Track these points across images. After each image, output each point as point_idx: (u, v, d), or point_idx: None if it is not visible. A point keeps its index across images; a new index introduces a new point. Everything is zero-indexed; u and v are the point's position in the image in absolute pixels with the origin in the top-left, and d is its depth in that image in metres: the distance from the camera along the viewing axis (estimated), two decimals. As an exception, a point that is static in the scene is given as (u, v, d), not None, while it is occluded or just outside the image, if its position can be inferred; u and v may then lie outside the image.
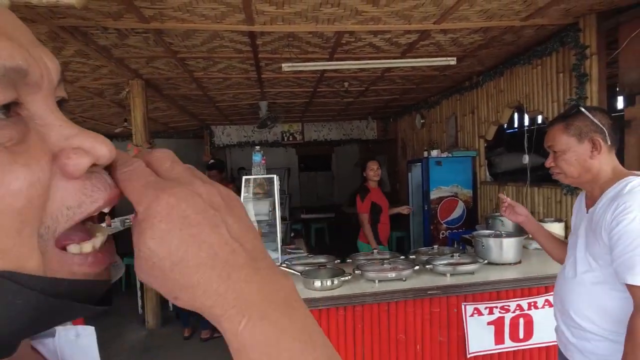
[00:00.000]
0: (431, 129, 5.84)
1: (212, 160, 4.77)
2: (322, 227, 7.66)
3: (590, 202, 1.35)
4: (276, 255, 2.92)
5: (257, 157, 2.93)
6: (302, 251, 3.38)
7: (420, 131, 6.18)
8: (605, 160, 1.26)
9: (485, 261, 2.52)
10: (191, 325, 3.73)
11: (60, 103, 0.28)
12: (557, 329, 1.51)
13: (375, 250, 2.95)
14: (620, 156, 2.81)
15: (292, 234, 4.20)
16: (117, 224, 5.75)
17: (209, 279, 0.25)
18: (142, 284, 4.07)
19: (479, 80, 4.40)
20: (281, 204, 3.67)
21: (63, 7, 1.51)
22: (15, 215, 0.23)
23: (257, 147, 2.97)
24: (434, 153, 4.51)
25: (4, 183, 0.22)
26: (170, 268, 0.25)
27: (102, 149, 0.26)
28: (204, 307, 0.26)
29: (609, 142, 1.23)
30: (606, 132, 1.23)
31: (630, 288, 1.09)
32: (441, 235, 4.52)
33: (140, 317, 4.14)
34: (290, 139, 7.87)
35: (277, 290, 0.27)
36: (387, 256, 2.76)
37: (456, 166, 4.50)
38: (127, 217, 5.67)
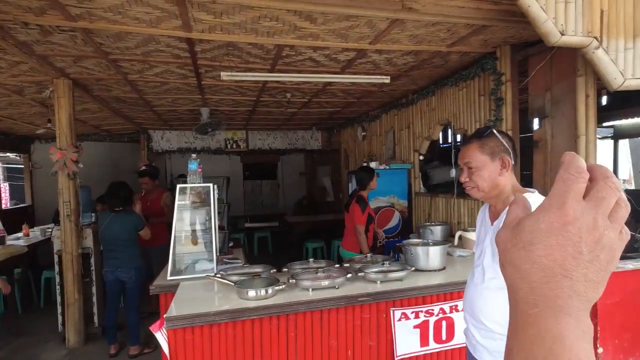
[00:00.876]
0: (372, 141, 6.09)
1: (143, 167, 4.56)
2: (265, 235, 7.60)
3: (494, 215, 1.51)
4: (211, 266, 2.86)
5: (193, 165, 2.87)
6: (239, 261, 3.34)
7: (362, 143, 6.42)
8: (509, 178, 1.42)
9: (413, 268, 2.68)
10: (118, 341, 3.50)
11: None
12: (466, 331, 1.65)
13: (369, 255, 3.02)
14: (530, 171, 3.16)
15: (231, 244, 4.13)
16: (36, 233, 5.26)
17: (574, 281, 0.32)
18: (63, 299, 3.75)
19: (414, 98, 4.70)
20: (219, 212, 3.61)
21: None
22: None
23: (194, 155, 2.91)
24: (373, 165, 4.71)
25: None
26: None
27: None
28: (550, 296, 0.33)
29: (513, 162, 1.40)
30: (511, 153, 1.40)
31: None
32: (378, 244, 4.70)
33: (59, 335, 3.81)
34: (234, 146, 7.76)
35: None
36: (323, 265, 2.83)
37: (393, 178, 4.73)
38: (47, 226, 5.20)
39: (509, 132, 3.18)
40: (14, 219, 6.01)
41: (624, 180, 5.82)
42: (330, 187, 8.83)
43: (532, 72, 3.07)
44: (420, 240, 3.03)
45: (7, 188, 12.39)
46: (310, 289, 2.39)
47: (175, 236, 2.83)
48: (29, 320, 4.33)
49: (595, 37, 2.09)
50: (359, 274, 2.57)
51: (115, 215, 3.55)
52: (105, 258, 3.61)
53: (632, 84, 2.16)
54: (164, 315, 2.10)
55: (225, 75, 2.99)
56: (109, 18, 2.40)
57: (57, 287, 3.87)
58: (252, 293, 2.28)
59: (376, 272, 2.59)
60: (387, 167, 4.71)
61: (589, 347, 0.32)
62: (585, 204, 0.33)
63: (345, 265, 2.87)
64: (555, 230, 0.33)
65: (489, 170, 1.42)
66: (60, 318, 3.84)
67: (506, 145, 1.40)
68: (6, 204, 11.23)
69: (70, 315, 3.69)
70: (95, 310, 4.05)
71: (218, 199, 3.62)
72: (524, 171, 3.49)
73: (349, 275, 2.52)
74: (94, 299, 4.03)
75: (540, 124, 3.02)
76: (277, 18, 2.47)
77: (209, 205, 2.92)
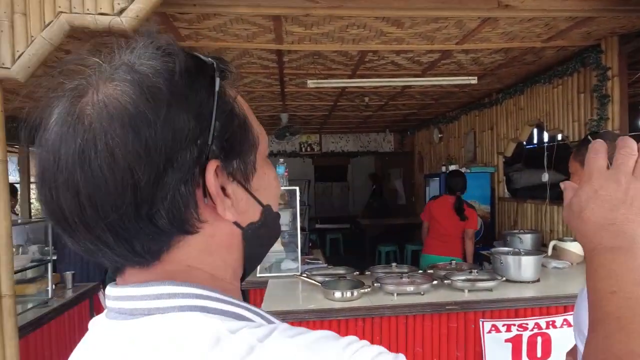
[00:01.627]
0: (449, 144, 5.88)
1: None
2: (336, 237, 7.72)
3: None
4: (296, 265, 3.00)
5: (280, 169, 3.04)
6: (320, 262, 3.45)
7: (438, 145, 6.22)
8: None
9: (504, 278, 2.55)
10: None
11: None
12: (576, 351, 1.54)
13: (453, 262, 2.96)
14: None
15: (310, 244, 4.28)
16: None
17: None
18: None
19: (499, 97, 4.44)
20: (300, 214, 3.76)
21: (115, 31, 1.64)
22: (278, 191, 0.49)
23: (281, 160, 3.08)
24: (453, 168, 4.55)
25: (276, 178, 0.48)
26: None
27: None
28: (604, 237, 0.44)
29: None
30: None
31: None
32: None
33: None
34: (308, 149, 8.00)
35: None
36: (406, 270, 2.81)
37: (474, 181, 4.51)
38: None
39: (617, 131, 2.87)
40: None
41: None
42: (402, 190, 8.67)
43: (646, 65, 2.74)
44: (511, 249, 2.86)
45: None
46: (395, 294, 2.39)
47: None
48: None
49: None
50: (445, 281, 2.51)
51: None
52: None
53: None
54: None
55: (311, 83, 3.12)
56: (212, 36, 2.64)
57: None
58: (338, 294, 2.35)
59: (463, 280, 2.51)
60: (468, 170, 4.51)
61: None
62: (607, 173, 0.46)
63: (429, 271, 2.82)
64: (591, 197, 0.46)
65: (580, 178, 1.34)
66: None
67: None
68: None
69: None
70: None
71: (300, 200, 3.79)
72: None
73: (435, 282, 2.48)
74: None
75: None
76: (364, 25, 2.52)
77: (294, 207, 3.07)
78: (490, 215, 4.58)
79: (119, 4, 1.59)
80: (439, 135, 6.04)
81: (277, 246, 3.14)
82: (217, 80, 0.39)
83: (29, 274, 2.58)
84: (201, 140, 0.36)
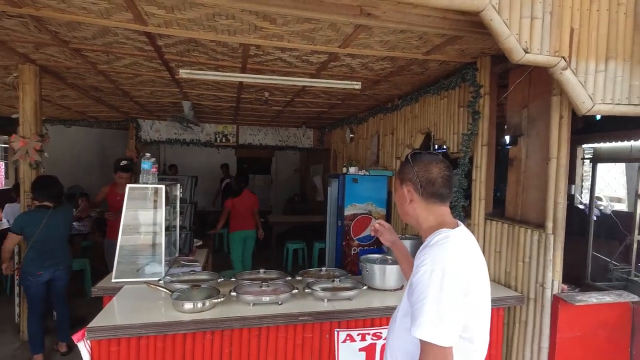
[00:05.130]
0: (359, 144, 5.94)
1: (124, 162, 4.33)
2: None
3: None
4: (159, 269, 2.76)
5: (146, 165, 2.76)
6: (197, 264, 3.24)
7: (350, 145, 6.27)
8: (422, 210, 1.29)
9: (365, 287, 2.55)
10: (44, 350, 3.31)
11: None
12: None
13: (323, 269, 2.92)
14: (504, 191, 3.01)
15: (200, 243, 4.02)
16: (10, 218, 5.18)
17: None
18: (20, 288, 3.69)
19: (399, 103, 4.53)
20: (181, 212, 3.51)
21: None
22: None
23: (148, 155, 2.79)
24: (352, 170, 4.57)
25: None
26: None
27: None
28: None
29: (420, 194, 1.27)
30: (419, 184, 1.26)
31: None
32: (352, 252, 4.58)
33: (15, 326, 3.75)
34: (224, 140, 7.65)
35: None
36: (273, 276, 2.71)
37: (372, 184, 4.59)
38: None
39: (484, 147, 3.03)
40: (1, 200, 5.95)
41: (619, 199, 5.61)
42: (321, 187, 8.70)
43: (511, 86, 2.90)
44: (380, 256, 2.89)
45: (3, 167, 12.45)
46: (252, 304, 2.28)
47: (122, 236, 2.72)
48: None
49: (564, 57, 1.93)
50: (306, 290, 2.45)
51: (52, 211, 3.25)
52: (36, 260, 3.20)
53: (602, 109, 1.99)
54: (88, 325, 2.00)
55: (183, 73, 2.86)
56: (54, 6, 2.27)
57: (17, 277, 3.79)
58: (188, 306, 2.17)
59: (324, 289, 2.47)
60: (367, 173, 4.57)
61: None
62: None
63: (297, 278, 2.75)
64: None
65: (398, 195, 1.36)
66: (17, 309, 3.78)
67: (415, 174, 1.27)
68: (0, 183, 11.24)
69: (26, 307, 3.62)
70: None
71: (181, 198, 3.53)
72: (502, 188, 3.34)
73: (295, 291, 2.40)
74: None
75: (515, 141, 2.86)
76: (232, 16, 2.33)
77: (161, 207, 2.81)
78: (386, 219, 4.69)
79: None
80: (351, 135, 6.09)
81: (141, 248, 2.87)
82: None
83: None
84: None
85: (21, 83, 3.51)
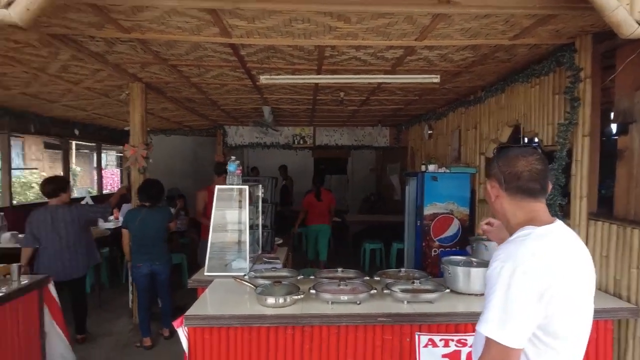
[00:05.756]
0: (437, 141, 5.68)
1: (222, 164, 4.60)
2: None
3: None
4: (244, 265, 2.94)
5: (232, 167, 2.96)
6: (278, 261, 3.39)
7: (428, 142, 6.02)
8: (510, 206, 1.20)
9: (448, 290, 2.42)
10: (152, 334, 3.72)
11: None
12: None
13: (403, 270, 2.88)
14: (612, 188, 2.63)
15: (280, 241, 4.21)
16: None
17: None
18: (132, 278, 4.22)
19: (482, 95, 4.23)
20: (263, 212, 3.70)
21: (6, 25, 1.57)
22: None
23: (233, 157, 3.00)
24: (431, 167, 4.38)
25: None
26: None
27: None
28: None
29: (505, 190, 1.18)
30: (502, 179, 1.17)
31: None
32: (433, 253, 4.39)
33: (129, 311, 4.30)
34: (301, 142, 7.90)
35: None
36: (352, 275, 2.71)
37: (453, 182, 4.35)
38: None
39: (586, 138, 2.68)
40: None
41: None
42: (399, 186, 8.50)
43: (619, 66, 2.52)
44: (463, 258, 2.72)
45: (119, 174, 14.44)
46: (330, 302, 2.31)
47: (213, 233, 2.96)
48: (112, 294, 4.97)
49: (693, 26, 1.61)
50: (385, 291, 2.40)
51: (148, 210, 3.64)
52: (135, 252, 3.63)
53: None
54: (185, 313, 2.21)
55: (264, 79, 3.01)
56: (155, 29, 2.56)
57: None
58: (270, 300, 2.28)
59: (403, 290, 2.40)
60: (447, 171, 4.34)
61: None
62: None
63: (376, 278, 2.72)
64: None
65: (486, 193, 1.29)
66: (130, 296, 4.33)
67: (497, 169, 1.18)
68: (114, 187, 13.02)
69: (136, 296, 4.12)
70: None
71: (263, 198, 3.72)
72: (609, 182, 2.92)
73: (373, 291, 2.37)
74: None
75: (625, 129, 2.47)
76: (308, 20, 2.39)
77: (245, 207, 3.00)
78: (470, 218, 4.41)
79: (6, -3, 1.52)
80: (429, 132, 5.85)
81: (229, 245, 3.08)
82: None
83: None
84: None
85: (131, 99, 4.03)
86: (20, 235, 4.19)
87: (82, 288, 3.84)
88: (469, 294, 2.50)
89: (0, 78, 3.82)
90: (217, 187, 2.95)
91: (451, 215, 4.34)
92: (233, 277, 2.70)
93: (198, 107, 5.66)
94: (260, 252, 3.62)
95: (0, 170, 5.53)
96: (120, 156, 14.22)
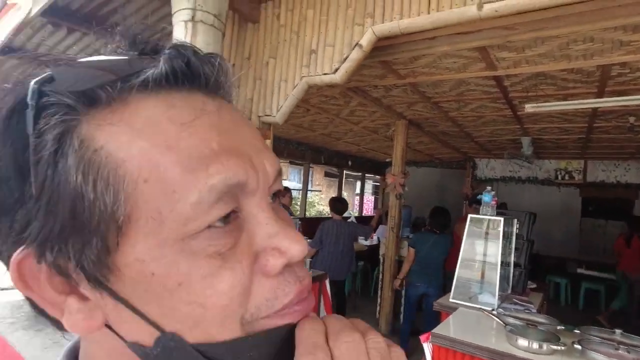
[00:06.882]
0: None
1: (479, 196, 4.64)
2: (596, 288, 6.10)
3: None
4: (492, 300, 2.82)
5: (487, 197, 2.94)
6: (531, 305, 3.04)
7: None
8: None
9: None
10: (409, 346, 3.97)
11: (276, 194, 0.32)
12: None
13: None
14: None
15: (534, 286, 3.74)
16: (379, 236, 6.81)
17: None
18: (380, 293, 4.75)
19: None
20: (516, 248, 3.41)
21: (329, 84, 2.24)
22: (220, 310, 0.26)
23: (489, 188, 2.97)
24: None
25: (212, 285, 0.26)
26: None
27: (296, 249, 0.28)
28: None
29: None
30: None
31: None
32: None
33: (376, 321, 4.83)
34: (566, 177, 6.74)
35: None
36: (635, 343, 2.12)
37: None
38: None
39: None
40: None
41: None
42: None
43: None
44: None
45: (373, 200, 16.51)
46: (602, 365, 1.91)
47: (461, 262, 3.01)
48: (362, 302, 5.71)
49: None
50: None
51: (437, 236, 3.92)
52: (416, 272, 3.92)
53: None
54: (432, 331, 2.35)
55: (529, 107, 2.87)
56: (426, 72, 2.95)
57: (380, 282, 4.91)
58: (522, 342, 2.12)
59: None
60: None
61: None
62: None
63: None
64: None
65: None
66: (377, 307, 4.87)
67: None
68: (368, 211, 14.92)
69: (384, 307, 4.61)
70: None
71: (517, 234, 3.45)
72: None
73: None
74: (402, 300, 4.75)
75: None
76: (591, 39, 2.17)
77: (506, 238, 2.88)
78: None
79: (334, 65, 2.18)
80: None
81: (477, 276, 3.03)
82: (29, 115, 0.25)
83: None
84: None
85: (395, 134, 4.67)
86: (308, 240, 5.52)
87: (343, 288, 4.63)
88: None
89: (311, 123, 5.24)
90: (469, 215, 3.00)
91: None
92: (480, 309, 2.65)
93: (450, 140, 5.87)
94: (509, 292, 3.35)
95: (300, 190, 7.45)
96: (376, 185, 16.21)
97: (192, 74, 0.28)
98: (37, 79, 0.25)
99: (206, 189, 0.25)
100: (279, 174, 0.32)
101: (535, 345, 2.08)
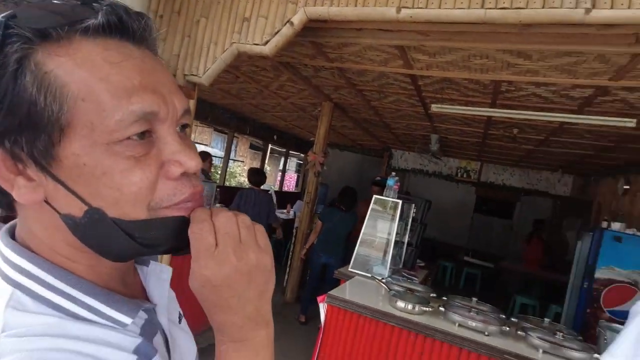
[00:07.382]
0: (636, 199, 4.72)
1: (378, 178, 5.18)
2: (474, 273, 7.16)
3: None
4: (383, 271, 3.22)
5: (391, 181, 3.31)
6: (416, 279, 3.54)
7: (622, 198, 5.06)
8: None
9: (596, 356, 2.14)
10: (307, 314, 4.29)
11: (184, 127, 0.42)
12: None
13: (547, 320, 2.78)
14: None
15: (422, 264, 4.32)
16: (295, 211, 7.07)
17: (233, 314, 0.41)
18: (289, 263, 5.03)
19: None
20: (411, 230, 3.90)
21: (259, 55, 2.32)
22: (132, 196, 0.36)
23: (393, 173, 3.34)
24: (616, 226, 3.75)
25: (127, 177, 0.35)
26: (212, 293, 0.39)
27: (191, 163, 0.38)
28: (223, 324, 0.42)
29: None
30: None
31: None
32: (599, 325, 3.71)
33: (282, 289, 5.11)
34: (464, 176, 7.68)
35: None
36: (485, 309, 2.66)
37: (635, 248, 3.61)
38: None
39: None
40: (288, 199, 8.25)
41: None
42: (574, 242, 7.28)
43: None
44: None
45: (295, 178, 16.83)
46: (457, 324, 2.37)
47: (362, 238, 3.36)
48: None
49: None
50: (519, 332, 2.30)
51: (343, 213, 4.26)
52: (321, 244, 4.26)
53: None
54: (328, 292, 2.64)
55: (435, 107, 3.26)
56: (352, 60, 3.16)
57: (290, 253, 5.18)
58: (400, 304, 2.50)
59: (541, 338, 2.24)
60: (637, 233, 3.64)
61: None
62: (216, 253, 0.39)
63: (513, 319, 2.59)
64: (206, 288, 0.39)
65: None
66: (285, 276, 5.15)
67: None
68: (290, 187, 15.19)
69: (292, 276, 4.89)
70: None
71: (413, 218, 3.94)
72: None
73: (506, 328, 2.31)
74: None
75: None
76: (487, 56, 2.56)
77: (395, 220, 3.29)
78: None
79: (265, 37, 2.27)
80: (625, 187, 4.92)
81: (373, 250, 3.43)
82: None
83: None
84: None
85: (321, 115, 4.88)
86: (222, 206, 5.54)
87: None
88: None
89: (239, 91, 5.21)
90: (374, 196, 3.35)
91: (634, 288, 3.60)
92: (372, 277, 3.03)
93: (372, 128, 6.28)
94: (401, 266, 3.83)
95: (222, 158, 7.34)
96: (300, 163, 16.49)
97: (123, 28, 0.37)
98: (3, 14, 0.33)
99: (127, 112, 0.35)
100: (187, 112, 0.41)
101: (409, 307, 2.48)
